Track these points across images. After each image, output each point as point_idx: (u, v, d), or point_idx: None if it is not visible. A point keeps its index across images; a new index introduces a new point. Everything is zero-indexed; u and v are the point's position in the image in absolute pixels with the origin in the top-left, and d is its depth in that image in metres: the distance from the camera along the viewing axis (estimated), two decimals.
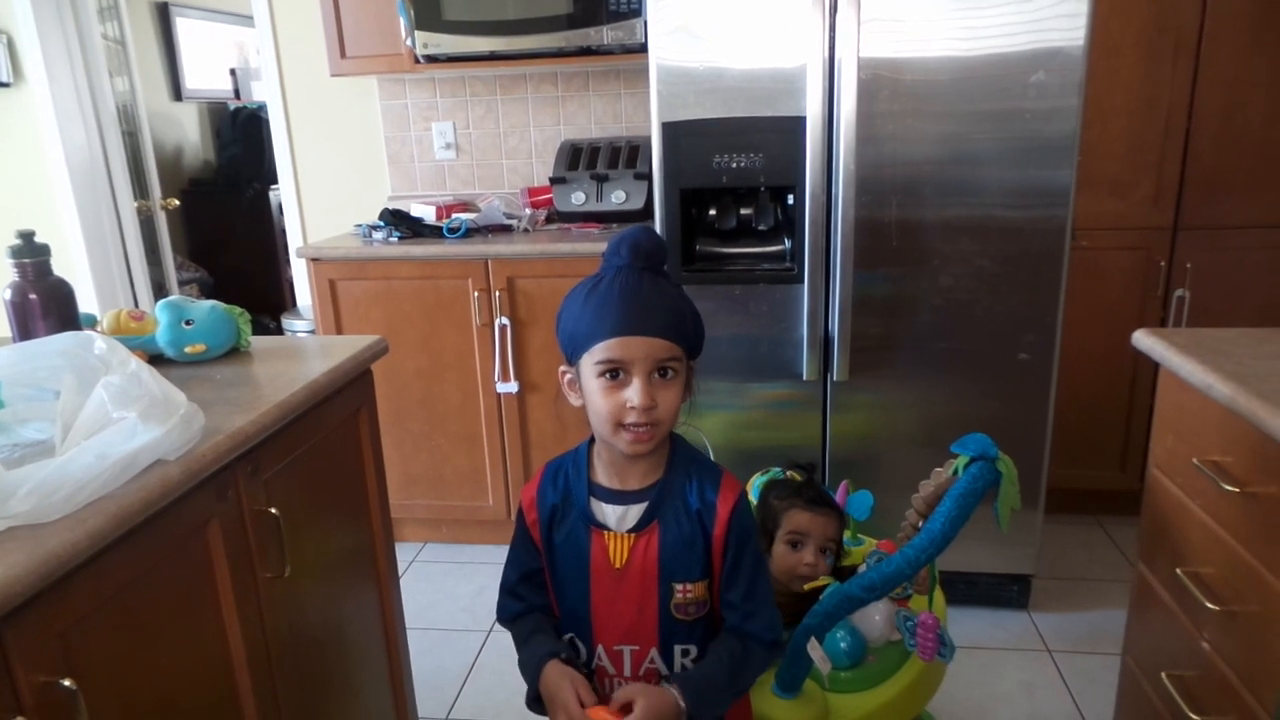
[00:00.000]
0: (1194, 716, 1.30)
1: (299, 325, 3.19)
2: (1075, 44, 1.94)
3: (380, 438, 1.71)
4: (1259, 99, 2.39)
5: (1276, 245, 2.47)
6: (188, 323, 1.46)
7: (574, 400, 1.09)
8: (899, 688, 1.44)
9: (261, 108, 4.61)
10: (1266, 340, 1.36)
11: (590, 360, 1.04)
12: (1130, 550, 2.61)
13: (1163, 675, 1.38)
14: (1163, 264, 2.53)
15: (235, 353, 1.56)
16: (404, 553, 2.86)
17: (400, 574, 2.72)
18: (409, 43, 2.65)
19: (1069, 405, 2.49)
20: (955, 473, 1.31)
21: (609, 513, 1.11)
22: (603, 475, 1.13)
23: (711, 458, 1.83)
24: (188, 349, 1.46)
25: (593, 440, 1.15)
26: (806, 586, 1.44)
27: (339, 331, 2.67)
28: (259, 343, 1.63)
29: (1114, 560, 2.59)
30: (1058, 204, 2.04)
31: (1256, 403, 1.13)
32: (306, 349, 1.63)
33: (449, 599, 2.61)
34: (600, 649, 1.14)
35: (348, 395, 1.56)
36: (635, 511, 1.10)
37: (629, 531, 1.10)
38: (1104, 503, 2.78)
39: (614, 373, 1.03)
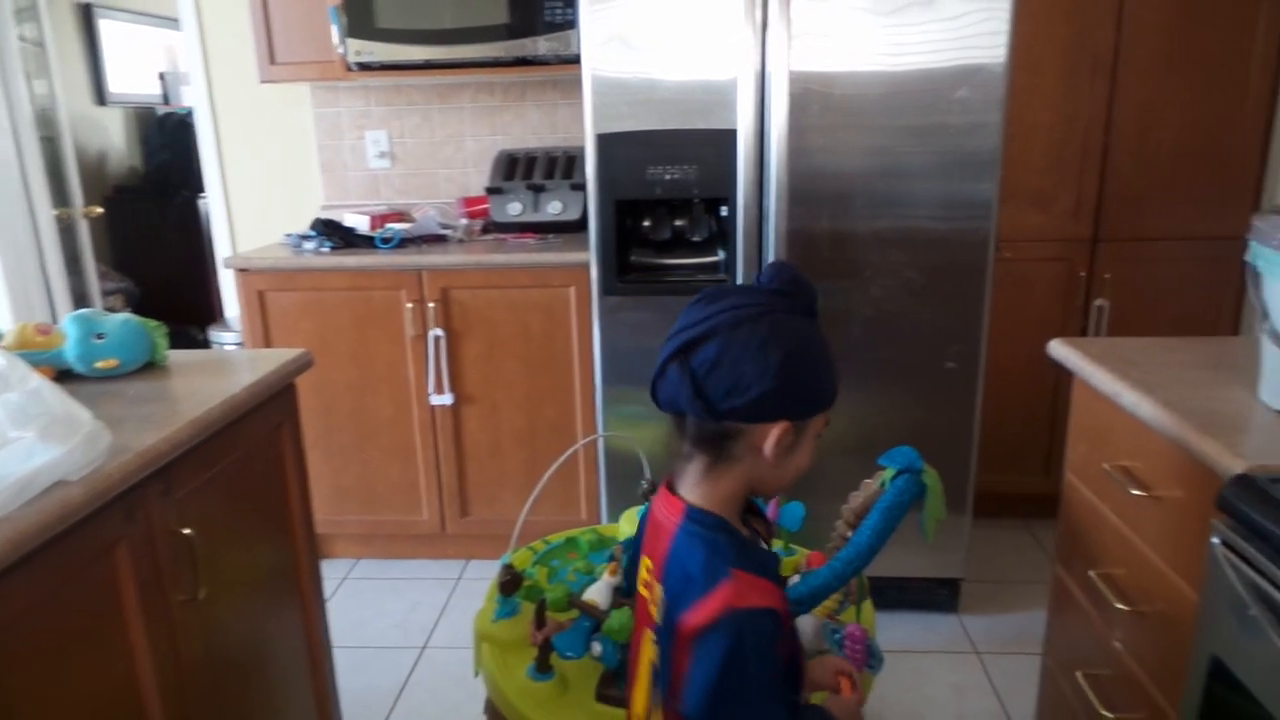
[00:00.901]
0: (1106, 714, 1.34)
1: (227, 338, 3.10)
2: (997, 61, 2.00)
3: (304, 453, 1.67)
4: (1172, 118, 2.49)
5: (1189, 257, 2.57)
6: (99, 336, 1.41)
7: (778, 457, 0.95)
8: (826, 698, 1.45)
9: (191, 113, 4.48)
10: (1174, 349, 1.41)
11: (822, 417, 0.99)
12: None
13: (1078, 675, 1.42)
14: (1083, 275, 2.61)
15: (151, 367, 1.51)
16: (335, 569, 2.80)
17: (331, 591, 2.67)
18: (341, 50, 2.61)
19: (996, 412, 2.55)
20: (882, 485, 1.33)
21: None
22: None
23: (647, 468, 1.85)
24: (99, 364, 1.41)
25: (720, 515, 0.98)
26: None
27: (267, 344, 2.61)
28: (178, 357, 1.58)
29: (1040, 562, 2.66)
30: (981, 216, 2.09)
31: (1160, 410, 1.17)
32: (227, 363, 1.59)
33: (381, 616, 2.56)
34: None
35: (270, 410, 1.52)
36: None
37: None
38: (1031, 507, 2.85)
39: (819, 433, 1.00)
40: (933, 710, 2.06)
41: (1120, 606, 1.30)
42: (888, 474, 1.33)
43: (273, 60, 2.70)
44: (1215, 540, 1.00)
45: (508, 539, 1.68)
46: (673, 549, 0.96)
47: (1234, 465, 1.01)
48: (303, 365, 1.61)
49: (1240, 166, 2.53)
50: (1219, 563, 0.99)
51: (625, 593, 1.55)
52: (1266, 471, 0.99)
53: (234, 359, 1.66)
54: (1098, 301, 2.62)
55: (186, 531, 1.24)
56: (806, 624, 1.44)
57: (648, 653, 1.01)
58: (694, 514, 0.96)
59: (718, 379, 0.91)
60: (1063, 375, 2.66)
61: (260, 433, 1.51)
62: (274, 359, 1.57)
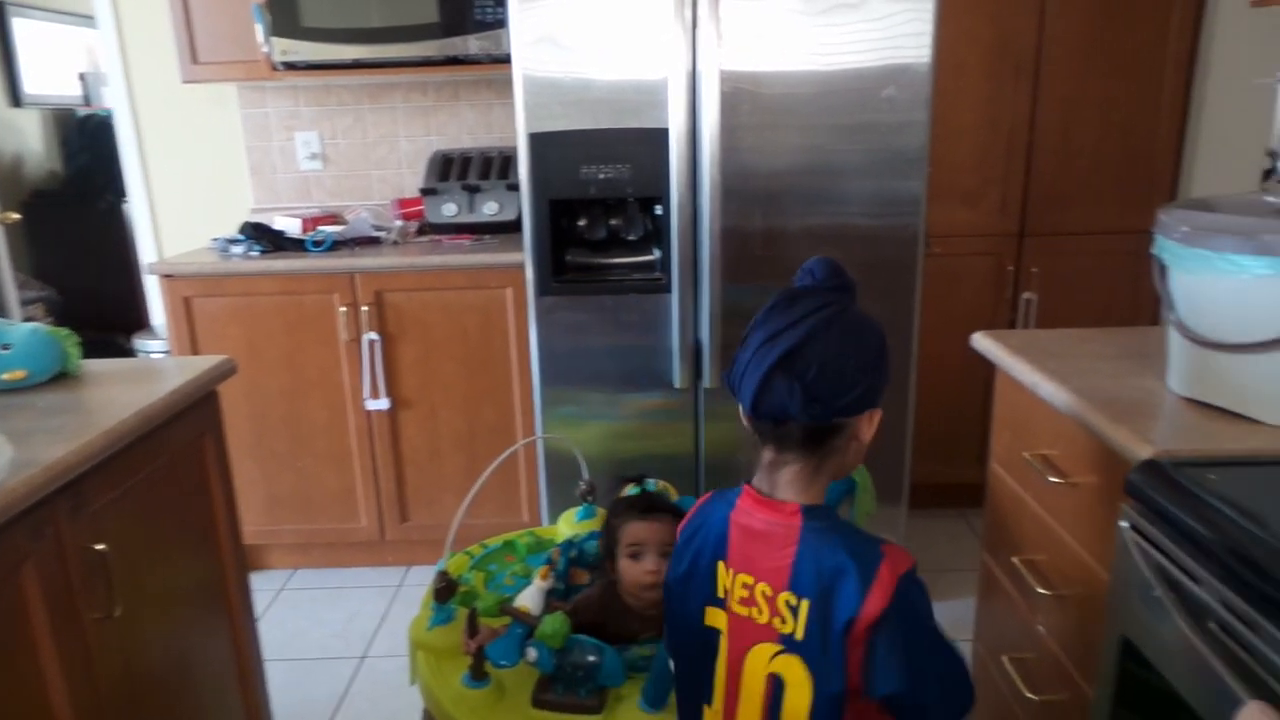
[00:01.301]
0: (1031, 697, 1.37)
1: (153, 346, 3.01)
2: (922, 61, 2.03)
3: (229, 463, 1.63)
4: (1091, 117, 2.56)
5: (1111, 250, 2.65)
6: (4, 347, 1.35)
7: (866, 437, 1.03)
8: None
9: (112, 115, 4.34)
10: (1089, 340, 1.45)
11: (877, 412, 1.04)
12: None
13: (1004, 659, 1.45)
14: (1011, 269, 2.68)
15: (63, 378, 1.45)
16: (271, 580, 2.73)
17: (268, 603, 2.61)
18: (266, 50, 2.55)
19: (930, 404, 2.60)
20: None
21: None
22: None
23: (584, 468, 1.85)
24: (5, 375, 1.36)
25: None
26: None
27: (195, 351, 2.53)
28: (94, 366, 1.53)
29: (975, 550, 2.69)
30: (911, 213, 2.13)
31: (1074, 399, 1.20)
32: (144, 372, 1.54)
33: (319, 626, 2.51)
34: None
35: (190, 420, 1.48)
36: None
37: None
38: (965, 496, 2.91)
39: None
40: None
41: (1042, 591, 1.33)
42: None
43: (195, 60, 2.63)
44: (1123, 524, 1.03)
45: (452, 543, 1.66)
46: (801, 553, 0.96)
47: (1141, 451, 1.04)
48: (225, 372, 1.56)
49: (1157, 162, 2.62)
50: (1127, 546, 1.02)
51: (560, 595, 1.54)
52: (1172, 456, 1.02)
53: (152, 367, 1.61)
54: (1026, 295, 2.68)
55: (100, 547, 1.19)
56: None
57: (759, 668, 1.00)
58: (814, 512, 0.98)
59: (828, 380, 0.95)
60: (992, 367, 2.74)
61: (181, 443, 1.47)
62: (194, 366, 1.52)
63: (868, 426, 1.01)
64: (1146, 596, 0.97)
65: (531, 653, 1.31)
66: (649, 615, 1.44)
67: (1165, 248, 1.14)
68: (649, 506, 1.47)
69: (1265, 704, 0.76)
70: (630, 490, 1.65)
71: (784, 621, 0.97)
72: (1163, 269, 1.17)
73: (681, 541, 1.11)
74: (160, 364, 1.68)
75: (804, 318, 0.97)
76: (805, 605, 0.95)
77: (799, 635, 0.96)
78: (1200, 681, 0.87)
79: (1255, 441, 1.06)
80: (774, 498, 1.00)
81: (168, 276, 2.49)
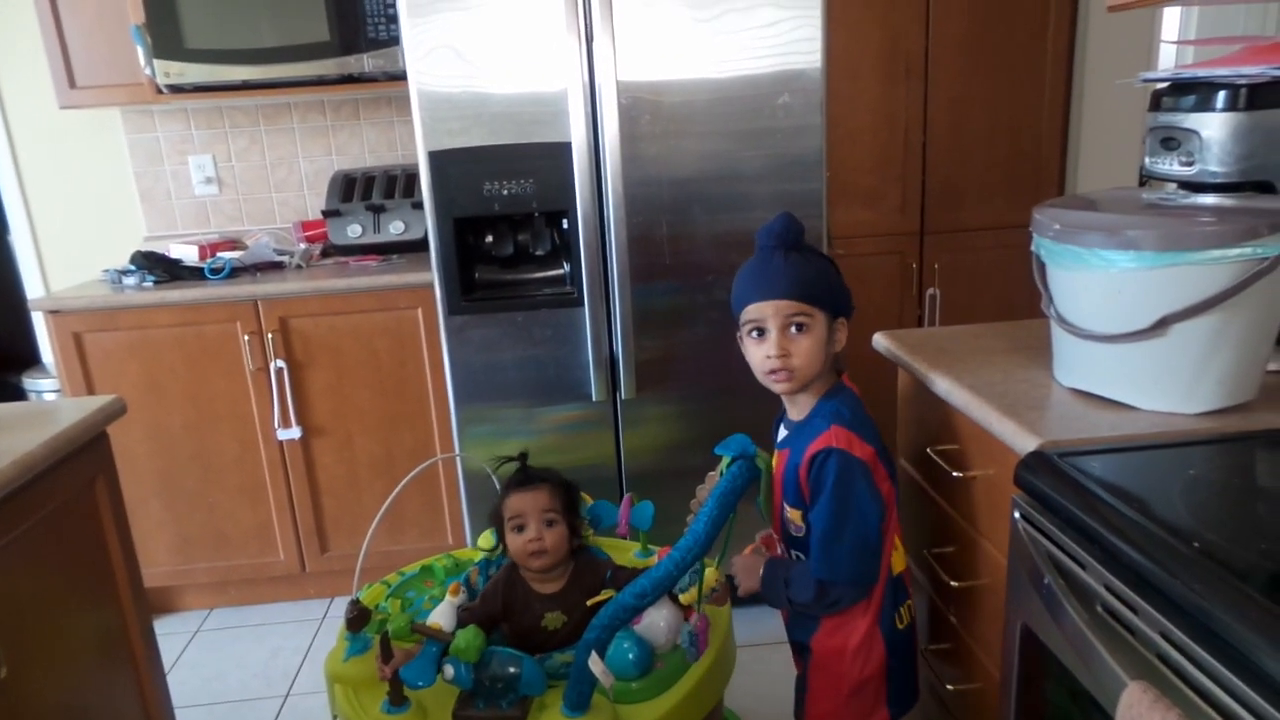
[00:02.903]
0: (949, 687, 1.41)
1: (45, 385, 2.87)
2: (814, 67, 2.07)
3: (124, 507, 1.55)
4: (978, 116, 2.66)
5: (1007, 244, 2.75)
6: None
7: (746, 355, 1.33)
8: (687, 688, 1.45)
9: None
10: (981, 336, 1.50)
11: (741, 322, 1.30)
12: None
13: (921, 650, 1.48)
14: (915, 266, 2.76)
15: None
16: (186, 622, 2.63)
17: (182, 647, 2.51)
18: (149, 72, 2.45)
19: None
20: (720, 474, 1.36)
21: (780, 431, 1.40)
22: (786, 405, 1.38)
23: (498, 488, 1.82)
24: None
25: None
26: (590, 602, 1.43)
27: (90, 390, 2.42)
28: None
29: None
30: (813, 215, 2.16)
31: (967, 394, 1.24)
32: (26, 416, 1.46)
33: (239, 667, 2.42)
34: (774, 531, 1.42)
35: (77, 465, 1.41)
36: (783, 435, 1.37)
37: (778, 448, 1.37)
38: None
39: (757, 330, 1.28)
40: (786, 700, 2.10)
41: (953, 583, 1.37)
42: (724, 462, 1.36)
43: (72, 84, 2.51)
44: (1016, 515, 1.07)
45: (372, 571, 1.62)
46: None
47: (1028, 443, 1.08)
48: (113, 413, 1.49)
49: (1044, 159, 2.74)
50: (1020, 536, 1.06)
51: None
52: (1057, 446, 1.06)
53: (34, 410, 1.52)
54: (930, 290, 2.76)
55: None
56: (662, 617, 1.45)
57: None
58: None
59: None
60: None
61: (68, 490, 1.40)
62: (80, 408, 1.45)
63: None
64: (1040, 584, 1.01)
65: (449, 670, 1.29)
66: (549, 592, 1.45)
67: (1041, 244, 1.19)
68: (525, 479, 1.49)
69: (1146, 684, 0.79)
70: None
71: None
72: (1041, 265, 1.21)
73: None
74: (43, 406, 1.60)
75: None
76: None
77: None
78: (1092, 666, 0.90)
79: (1134, 427, 1.11)
80: None
81: (54, 312, 2.37)
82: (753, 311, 1.27)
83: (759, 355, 1.29)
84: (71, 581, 1.42)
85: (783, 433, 1.39)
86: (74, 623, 1.42)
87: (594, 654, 1.29)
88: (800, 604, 1.32)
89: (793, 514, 1.33)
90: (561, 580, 1.48)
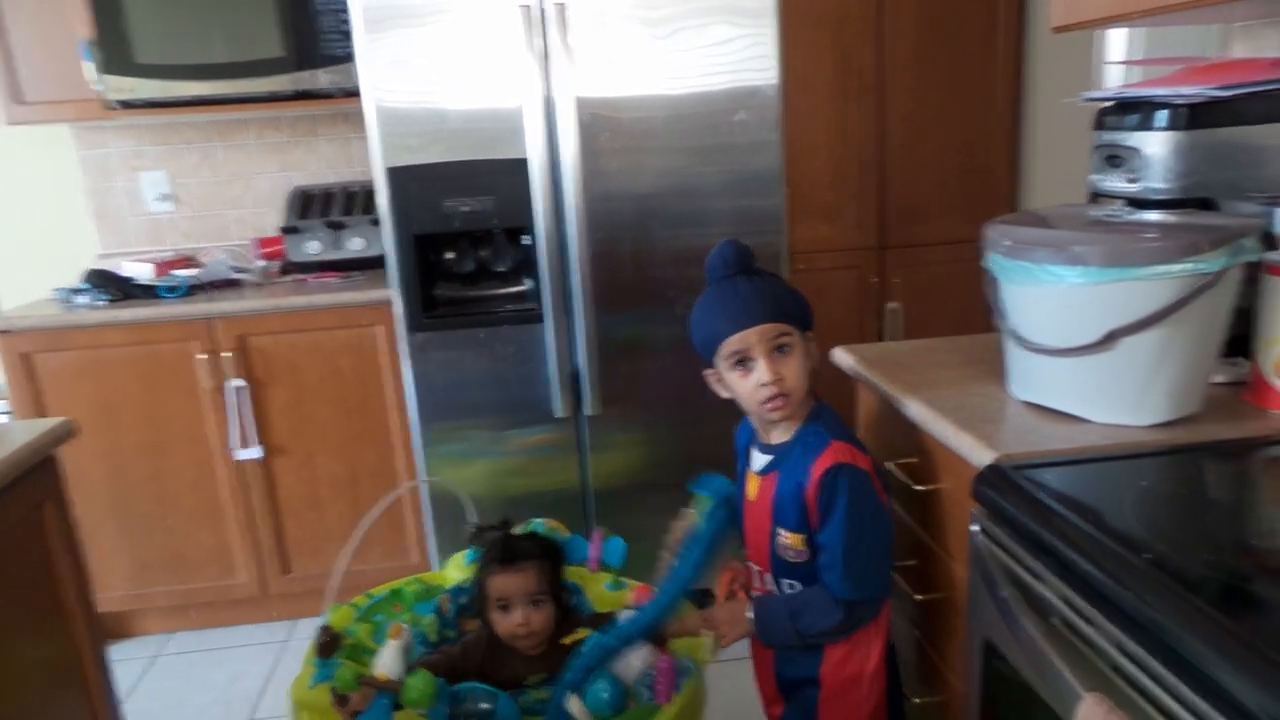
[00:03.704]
0: (914, 700, 1.42)
1: None
2: (770, 84, 2.10)
3: (75, 532, 1.52)
4: (931, 132, 2.71)
5: (963, 258, 2.77)
6: None
7: (723, 393, 1.31)
8: None
9: None
10: (938, 350, 1.52)
11: (722, 357, 1.26)
12: None
13: None
14: (875, 280, 2.79)
15: None
16: (144, 647, 2.57)
17: (140, 674, 2.46)
18: (99, 88, 2.41)
19: None
20: (699, 514, 1.36)
21: (755, 456, 1.34)
22: (758, 429, 1.35)
23: (472, 513, 1.80)
24: None
25: None
26: (566, 640, 1.41)
27: (41, 412, 2.36)
28: None
29: None
30: (773, 230, 2.18)
31: (924, 409, 1.26)
32: None
33: (200, 692, 2.37)
34: (750, 561, 1.38)
35: (24, 489, 1.37)
36: (765, 460, 1.31)
37: (758, 474, 1.31)
38: None
39: (743, 361, 1.24)
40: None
41: (916, 597, 1.38)
42: (704, 502, 1.36)
43: (19, 100, 2.46)
44: (974, 528, 1.08)
45: (337, 591, 1.59)
46: None
47: (984, 456, 1.09)
48: (62, 435, 1.46)
49: (996, 175, 2.80)
50: (979, 549, 1.07)
51: (453, 642, 1.49)
52: (1012, 460, 1.08)
53: None
54: (891, 305, 2.80)
55: None
56: (637, 656, 1.43)
57: None
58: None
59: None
60: None
61: (15, 516, 1.36)
62: (27, 431, 1.42)
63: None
64: (998, 597, 1.02)
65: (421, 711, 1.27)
66: (534, 655, 1.42)
67: (993, 261, 1.21)
68: (508, 557, 1.42)
69: (1101, 695, 0.81)
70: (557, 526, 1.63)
71: None
72: (994, 280, 1.23)
73: None
74: None
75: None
76: None
77: None
78: (1049, 678, 0.91)
79: (1086, 439, 1.13)
80: None
81: (3, 332, 2.32)
82: (735, 343, 1.23)
83: (748, 387, 1.24)
84: (19, 609, 1.38)
85: (760, 458, 1.33)
86: (22, 654, 1.38)
87: (573, 695, 1.28)
88: (817, 634, 1.27)
89: (793, 539, 1.27)
90: (546, 644, 1.43)
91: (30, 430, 1.42)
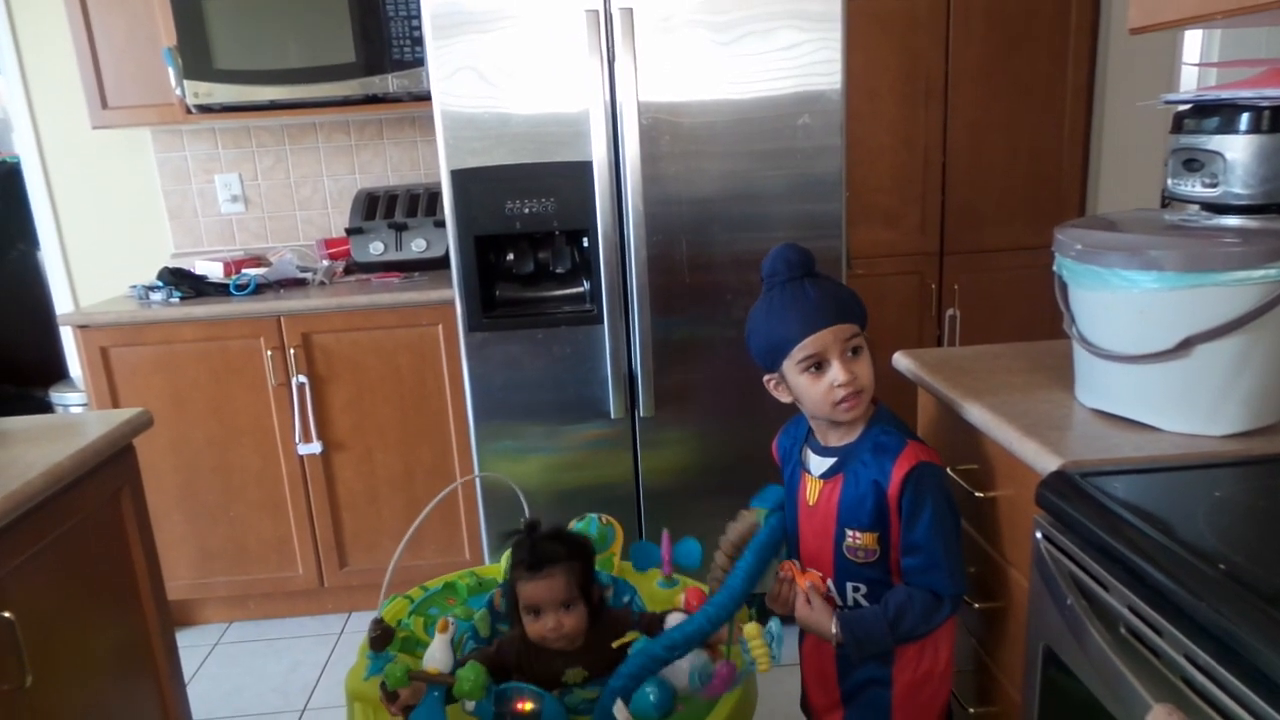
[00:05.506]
0: (970, 710, 1.39)
1: (72, 399, 2.90)
2: (834, 88, 2.09)
3: (148, 519, 1.57)
4: (997, 139, 2.67)
5: (1027, 265, 2.75)
6: None
7: (783, 398, 1.31)
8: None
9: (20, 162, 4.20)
10: (1001, 356, 1.49)
11: (793, 362, 1.24)
12: None
13: None
14: (934, 286, 2.75)
15: None
16: (206, 635, 2.65)
17: (201, 659, 2.53)
18: (179, 92, 2.50)
19: None
20: (757, 524, 1.35)
21: (813, 460, 1.32)
22: (816, 432, 1.33)
23: (525, 505, 1.82)
24: None
25: None
26: (616, 644, 1.41)
27: (115, 403, 2.46)
28: (2, 424, 1.47)
29: None
30: (832, 235, 2.17)
31: (988, 415, 1.24)
32: (54, 428, 1.48)
33: (258, 680, 2.43)
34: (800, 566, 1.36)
35: (104, 476, 1.43)
36: (828, 463, 1.29)
37: (820, 477, 1.29)
38: None
39: (817, 364, 1.23)
40: None
41: (975, 605, 1.36)
42: (760, 513, 1.35)
43: (104, 104, 2.57)
44: (1038, 535, 1.06)
45: (391, 585, 1.62)
46: None
47: (1050, 463, 1.07)
48: (140, 425, 1.52)
49: (1065, 182, 2.74)
50: (1042, 557, 1.05)
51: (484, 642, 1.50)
52: (1079, 467, 1.05)
53: (63, 423, 1.55)
54: (950, 311, 2.76)
55: (6, 615, 1.14)
56: (686, 659, 1.43)
57: None
58: None
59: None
60: None
61: (95, 501, 1.42)
62: (107, 420, 1.48)
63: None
64: (1062, 605, 1.00)
65: (468, 703, 1.28)
66: (572, 651, 1.40)
67: (1063, 265, 1.19)
68: (535, 562, 1.38)
69: (1171, 706, 0.79)
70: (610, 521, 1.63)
71: None
72: (1063, 285, 1.21)
73: None
74: (71, 419, 1.63)
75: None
76: None
77: None
78: (1115, 688, 0.90)
79: (1157, 448, 1.10)
80: None
81: (82, 327, 2.41)
82: (811, 345, 1.22)
83: (821, 389, 1.23)
84: (96, 592, 1.44)
85: (821, 461, 1.31)
86: (97, 634, 1.43)
87: (619, 702, 1.28)
88: (923, 634, 1.26)
89: (865, 538, 1.25)
90: (581, 638, 1.40)
91: (109, 420, 1.48)
